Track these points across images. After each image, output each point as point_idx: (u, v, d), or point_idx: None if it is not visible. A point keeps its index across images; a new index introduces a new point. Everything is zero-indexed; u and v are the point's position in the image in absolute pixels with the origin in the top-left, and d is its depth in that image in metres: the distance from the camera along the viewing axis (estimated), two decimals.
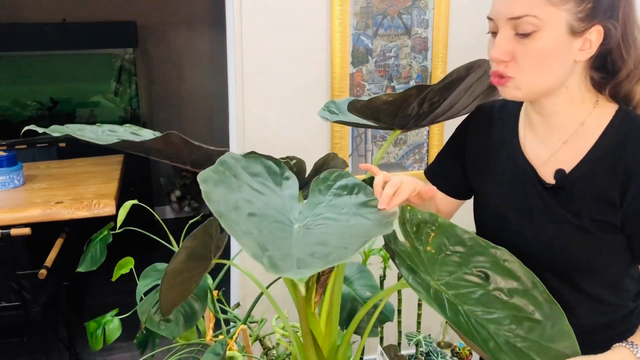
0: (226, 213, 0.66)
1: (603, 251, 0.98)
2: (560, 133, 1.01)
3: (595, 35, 0.92)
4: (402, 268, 0.84)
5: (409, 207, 0.90)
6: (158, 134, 0.88)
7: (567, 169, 1.00)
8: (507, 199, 1.07)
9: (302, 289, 0.73)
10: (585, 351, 0.87)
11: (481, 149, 1.12)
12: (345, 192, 0.82)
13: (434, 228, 0.89)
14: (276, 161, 0.85)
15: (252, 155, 0.83)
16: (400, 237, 0.88)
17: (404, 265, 0.85)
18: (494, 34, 0.96)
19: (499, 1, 0.94)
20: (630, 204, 0.94)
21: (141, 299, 1.21)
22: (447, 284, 0.83)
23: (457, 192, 1.21)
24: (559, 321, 0.83)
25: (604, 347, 0.91)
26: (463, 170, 1.17)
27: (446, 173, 1.21)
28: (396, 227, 0.86)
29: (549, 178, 1.02)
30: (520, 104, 1.09)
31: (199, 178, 0.73)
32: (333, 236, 0.68)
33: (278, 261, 0.61)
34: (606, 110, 0.99)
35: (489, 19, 0.96)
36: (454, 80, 0.97)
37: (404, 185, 0.94)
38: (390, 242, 0.87)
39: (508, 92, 0.97)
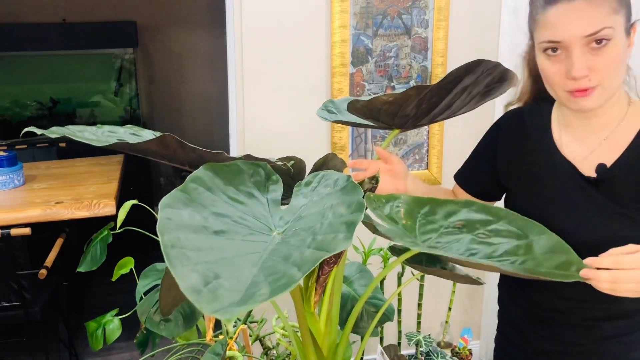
0: (176, 244, 0.59)
1: None
2: (601, 131, 1.07)
3: (633, 33, 1.00)
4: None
5: (371, 195, 0.93)
6: (158, 134, 0.88)
7: (608, 164, 1.05)
8: (546, 197, 1.11)
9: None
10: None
11: (515, 152, 1.18)
12: (326, 190, 0.79)
13: (399, 203, 0.92)
14: (263, 165, 0.82)
15: (238, 161, 0.80)
16: (379, 221, 0.89)
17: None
18: (550, 52, 1.00)
19: (567, 24, 0.96)
20: None
21: (141, 298, 1.21)
22: (437, 243, 0.87)
23: (485, 194, 1.27)
24: (542, 232, 0.87)
25: None
26: (493, 173, 1.22)
27: (474, 176, 1.28)
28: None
29: (590, 173, 1.07)
30: (550, 106, 1.15)
31: (160, 205, 0.66)
32: (297, 249, 0.63)
33: (223, 292, 0.55)
34: (639, 108, 1.06)
35: (551, 42, 0.98)
36: (452, 81, 0.97)
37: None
38: (374, 228, 0.88)
39: (592, 102, 1.00)
